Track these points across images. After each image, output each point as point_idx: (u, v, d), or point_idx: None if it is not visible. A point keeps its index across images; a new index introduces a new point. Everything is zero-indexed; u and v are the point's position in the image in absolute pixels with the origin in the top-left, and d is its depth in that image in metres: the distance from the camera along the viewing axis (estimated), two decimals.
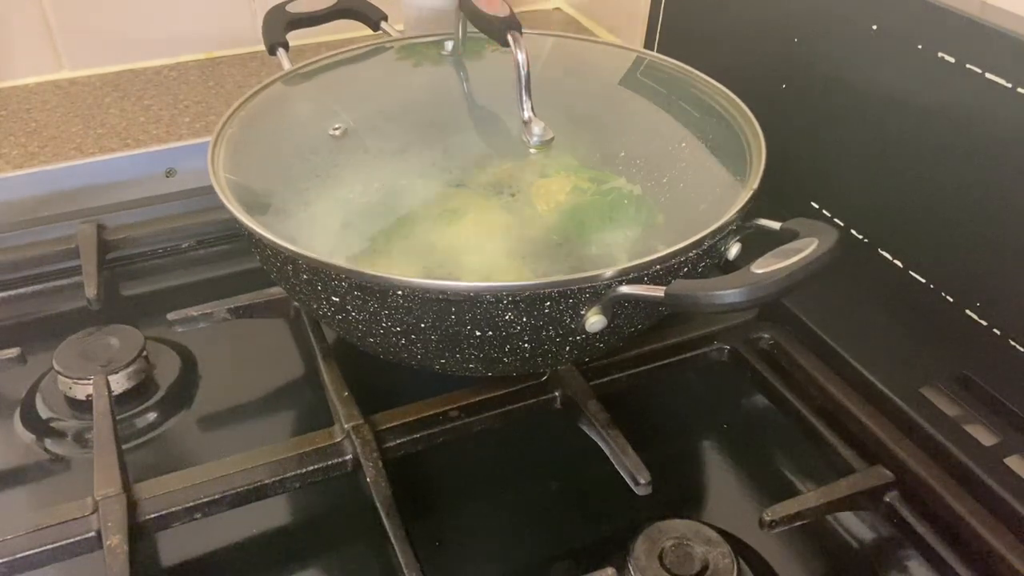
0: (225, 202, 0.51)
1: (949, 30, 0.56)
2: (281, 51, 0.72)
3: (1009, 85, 0.53)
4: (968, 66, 0.55)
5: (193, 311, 0.60)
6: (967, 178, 0.57)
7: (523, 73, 0.56)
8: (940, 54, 0.56)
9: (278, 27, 0.73)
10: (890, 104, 0.61)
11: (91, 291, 0.65)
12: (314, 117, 0.62)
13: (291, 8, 0.75)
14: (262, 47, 0.73)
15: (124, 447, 0.51)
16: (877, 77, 0.62)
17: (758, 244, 0.48)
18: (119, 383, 0.58)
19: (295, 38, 0.75)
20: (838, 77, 0.65)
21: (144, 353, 0.60)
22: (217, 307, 0.61)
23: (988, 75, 0.54)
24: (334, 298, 0.48)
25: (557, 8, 1.11)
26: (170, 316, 0.60)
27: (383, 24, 0.77)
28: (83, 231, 0.70)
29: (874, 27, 0.60)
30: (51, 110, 0.87)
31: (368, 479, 0.49)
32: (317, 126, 0.60)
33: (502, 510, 0.53)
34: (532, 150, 0.57)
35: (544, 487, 0.54)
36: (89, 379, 0.57)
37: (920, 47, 0.57)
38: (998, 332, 0.56)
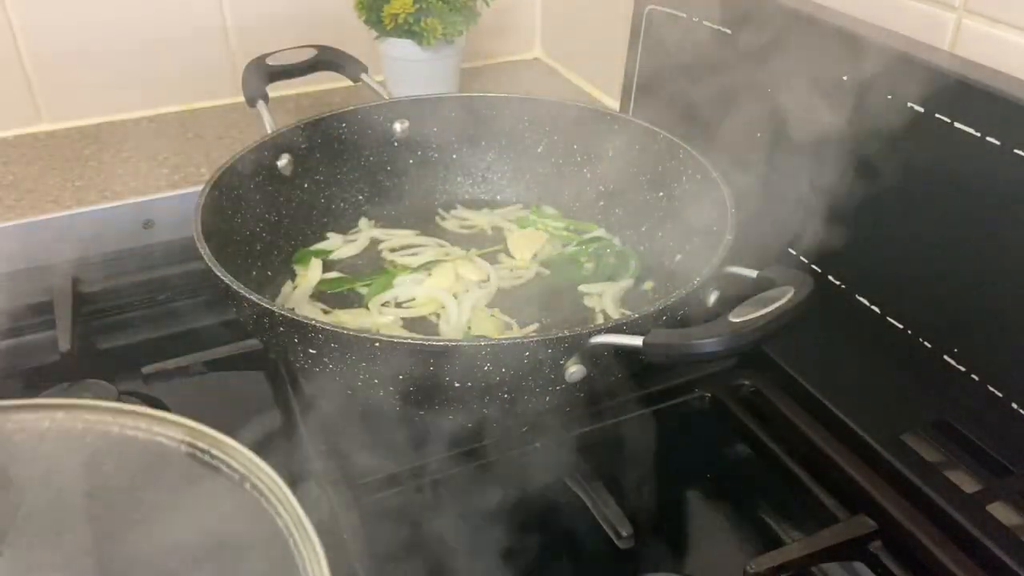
0: (204, 254, 0.51)
1: (918, 80, 0.57)
2: (261, 103, 0.72)
3: (978, 134, 0.54)
4: (937, 115, 0.56)
5: (169, 364, 0.60)
6: (941, 224, 0.57)
7: None
8: (909, 104, 0.57)
9: (258, 80, 0.73)
10: (863, 153, 0.62)
11: (65, 345, 0.64)
12: None
13: (271, 61, 0.75)
14: (242, 99, 0.73)
15: None
16: (850, 126, 0.63)
17: (738, 287, 0.49)
18: None
19: (275, 89, 0.75)
20: (812, 127, 0.66)
21: None
22: (193, 360, 0.60)
23: (957, 124, 0.55)
24: (311, 350, 0.48)
25: (536, 58, 1.13)
26: (145, 370, 0.59)
27: (363, 76, 0.78)
28: (58, 284, 0.69)
29: (844, 78, 0.61)
30: (29, 163, 0.86)
31: (345, 536, 0.48)
32: None
33: (483, 567, 0.52)
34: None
35: (526, 541, 0.53)
36: None
37: (890, 97, 0.58)
38: (976, 378, 0.56)
